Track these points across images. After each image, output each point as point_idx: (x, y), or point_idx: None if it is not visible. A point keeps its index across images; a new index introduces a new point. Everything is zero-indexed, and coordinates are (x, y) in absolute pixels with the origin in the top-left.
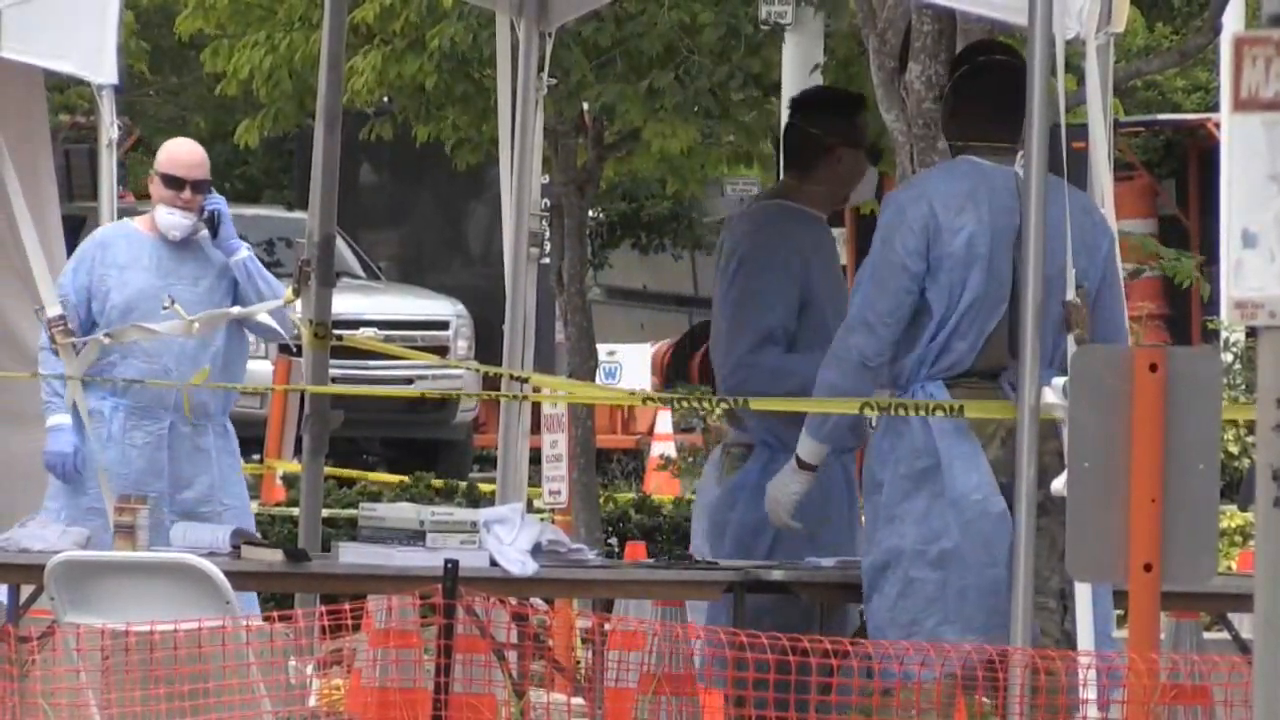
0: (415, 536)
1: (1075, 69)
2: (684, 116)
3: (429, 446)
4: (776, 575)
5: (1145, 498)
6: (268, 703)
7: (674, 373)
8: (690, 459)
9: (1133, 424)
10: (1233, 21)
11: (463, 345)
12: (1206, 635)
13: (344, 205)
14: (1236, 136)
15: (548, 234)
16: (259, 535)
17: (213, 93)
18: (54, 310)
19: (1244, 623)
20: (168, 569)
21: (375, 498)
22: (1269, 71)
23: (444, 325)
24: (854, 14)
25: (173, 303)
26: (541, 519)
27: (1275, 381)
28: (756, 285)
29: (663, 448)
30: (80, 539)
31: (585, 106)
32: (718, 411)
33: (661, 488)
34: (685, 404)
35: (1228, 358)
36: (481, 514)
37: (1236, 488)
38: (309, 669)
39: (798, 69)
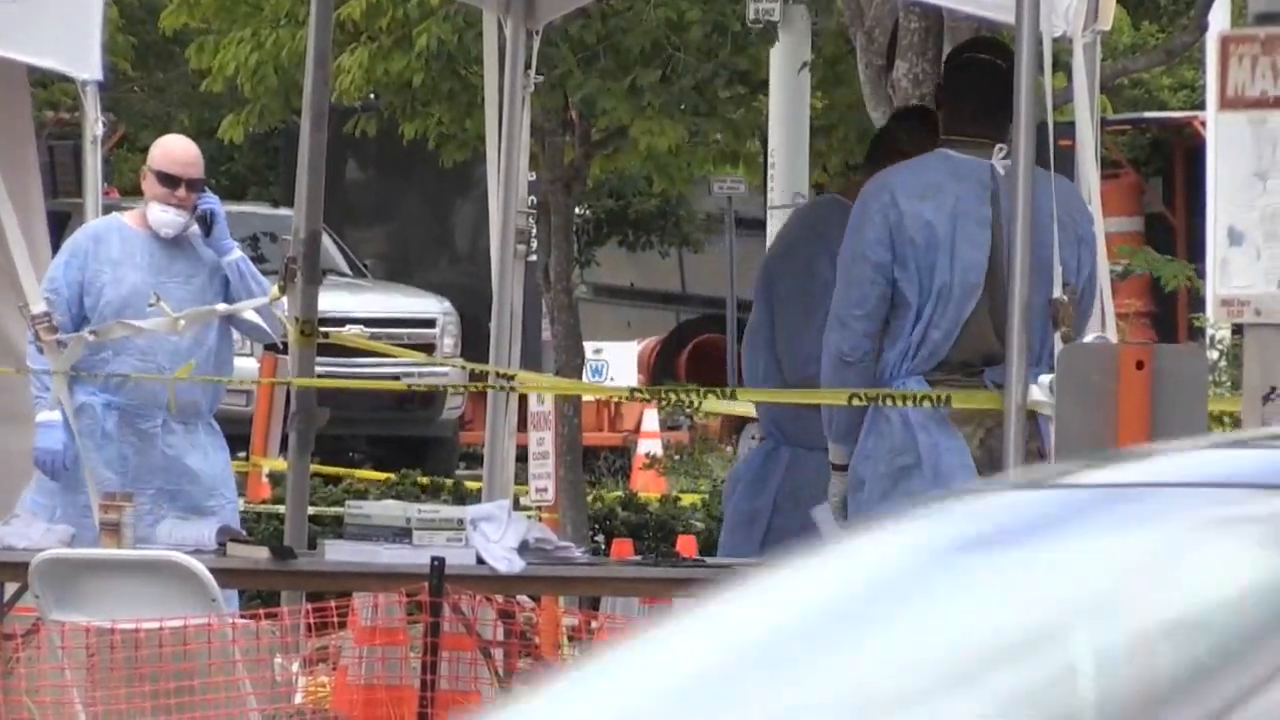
0: (402, 534)
1: (1062, 67)
2: (671, 114)
3: (415, 444)
4: None
5: None
6: (253, 700)
7: (661, 370)
8: (676, 457)
9: (1119, 421)
10: (1219, 20)
11: (449, 343)
12: None
13: (330, 202)
14: (1223, 134)
15: (535, 231)
16: (245, 533)
17: (197, 89)
18: (38, 307)
19: None
20: (153, 566)
21: (361, 495)
22: (1255, 70)
23: (430, 323)
24: (841, 12)
25: (158, 299)
26: (528, 517)
27: (1260, 379)
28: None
29: (649, 446)
30: (65, 537)
31: (568, 99)
32: (705, 407)
33: (648, 486)
34: (672, 399)
35: (1214, 355)
36: (468, 511)
37: None
38: (295, 666)
39: (785, 67)
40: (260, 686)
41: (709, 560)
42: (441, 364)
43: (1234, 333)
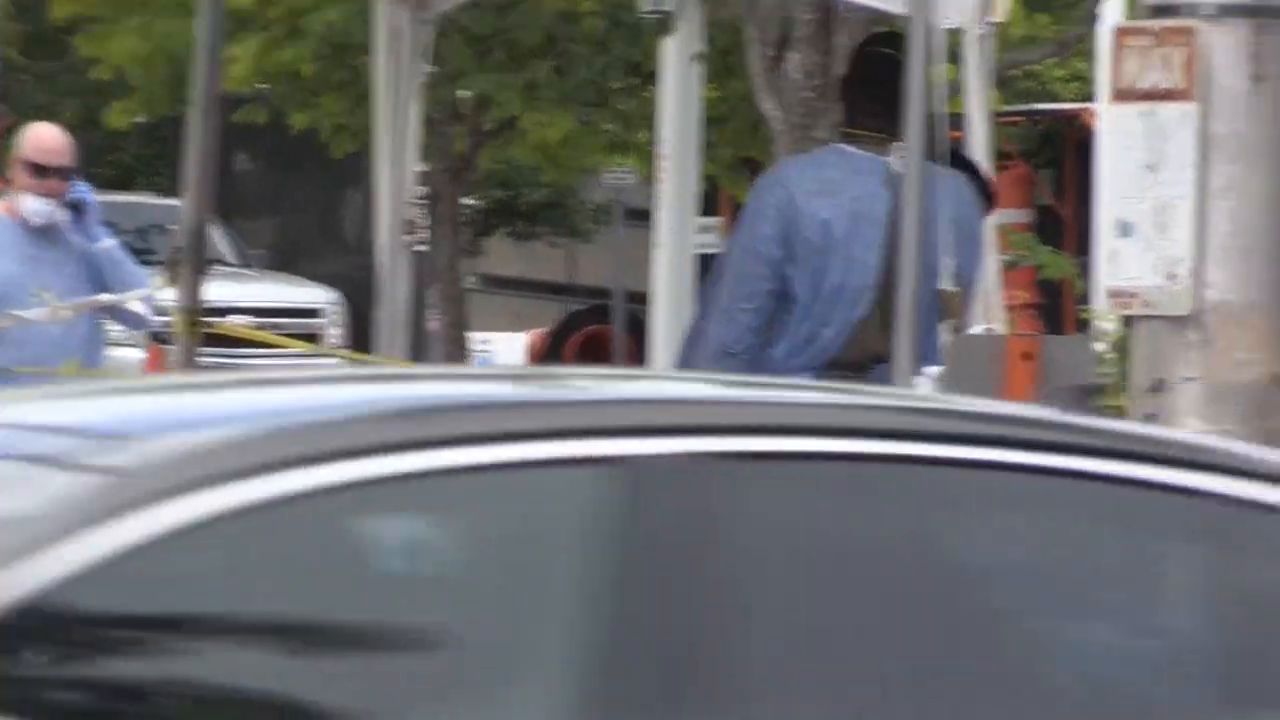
0: None
1: (955, 58)
2: (562, 105)
3: None
4: None
5: None
6: None
7: (549, 361)
8: None
9: None
10: (1112, 12)
11: (335, 333)
12: None
13: (218, 192)
14: (1113, 126)
15: (424, 222)
16: None
17: (86, 77)
18: None
19: None
20: None
21: None
22: (1147, 62)
23: (316, 313)
24: (734, 3)
25: (43, 291)
26: None
27: (1147, 371)
28: None
29: None
30: None
31: (460, 94)
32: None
33: None
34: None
35: (1101, 347)
36: None
37: None
38: None
39: (677, 58)
40: None
41: None
42: (327, 354)
43: (1123, 325)
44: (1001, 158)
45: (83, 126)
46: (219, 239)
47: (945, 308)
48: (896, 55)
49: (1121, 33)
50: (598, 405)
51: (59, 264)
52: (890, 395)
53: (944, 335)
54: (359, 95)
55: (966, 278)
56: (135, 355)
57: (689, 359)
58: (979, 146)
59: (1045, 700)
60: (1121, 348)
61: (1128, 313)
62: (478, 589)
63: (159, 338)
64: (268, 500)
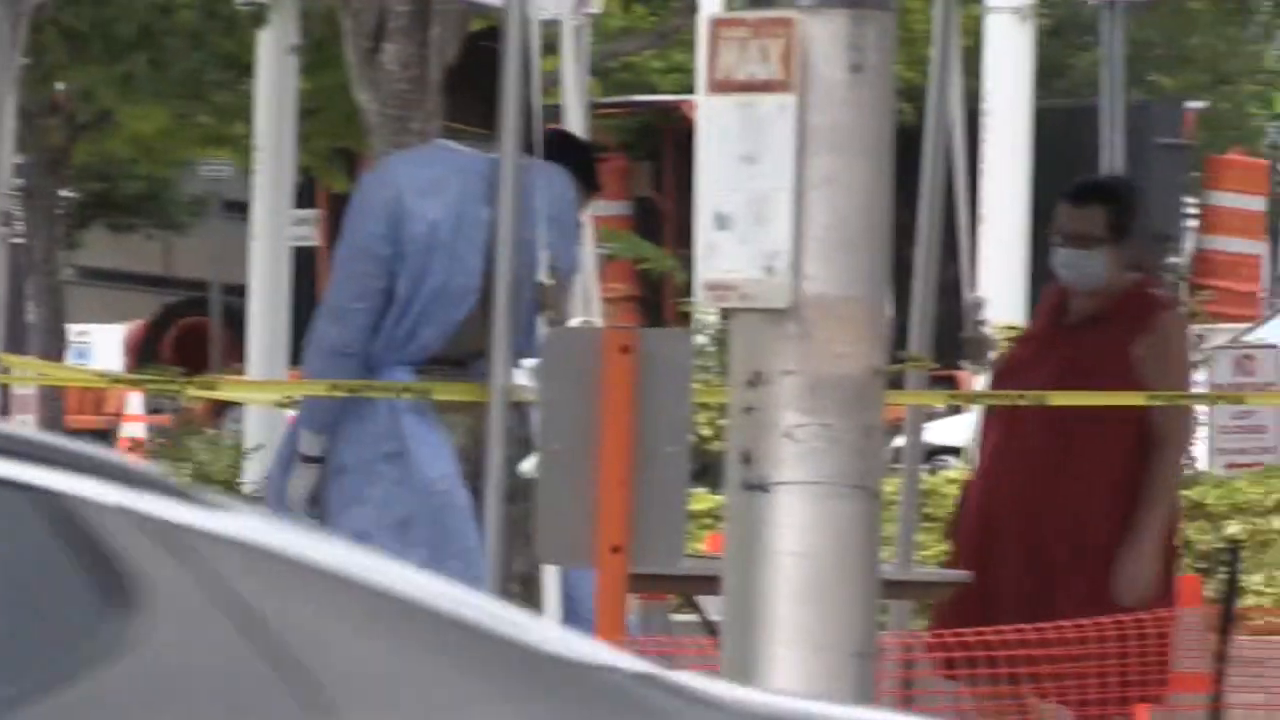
0: None
1: (552, 50)
2: (158, 98)
3: None
4: None
5: (614, 480)
6: None
7: (147, 353)
8: (160, 440)
9: (603, 406)
10: (710, 3)
11: None
12: (675, 617)
13: None
14: (710, 118)
15: (20, 214)
16: None
17: None
18: None
19: (712, 605)
20: None
21: None
22: (744, 53)
23: None
24: None
25: None
26: None
27: (746, 364)
28: None
29: (133, 429)
30: None
31: (60, 87)
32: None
33: None
34: (156, 387)
35: (701, 340)
36: None
37: (708, 470)
38: None
39: (273, 50)
40: None
41: None
42: None
43: (722, 317)
44: (599, 150)
45: None
46: None
47: (542, 301)
48: (496, 49)
49: (718, 24)
50: None
51: None
52: None
53: (543, 328)
54: None
55: (565, 270)
56: None
57: (311, 362)
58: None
59: None
60: (721, 340)
61: (726, 305)
62: None
63: None
64: None
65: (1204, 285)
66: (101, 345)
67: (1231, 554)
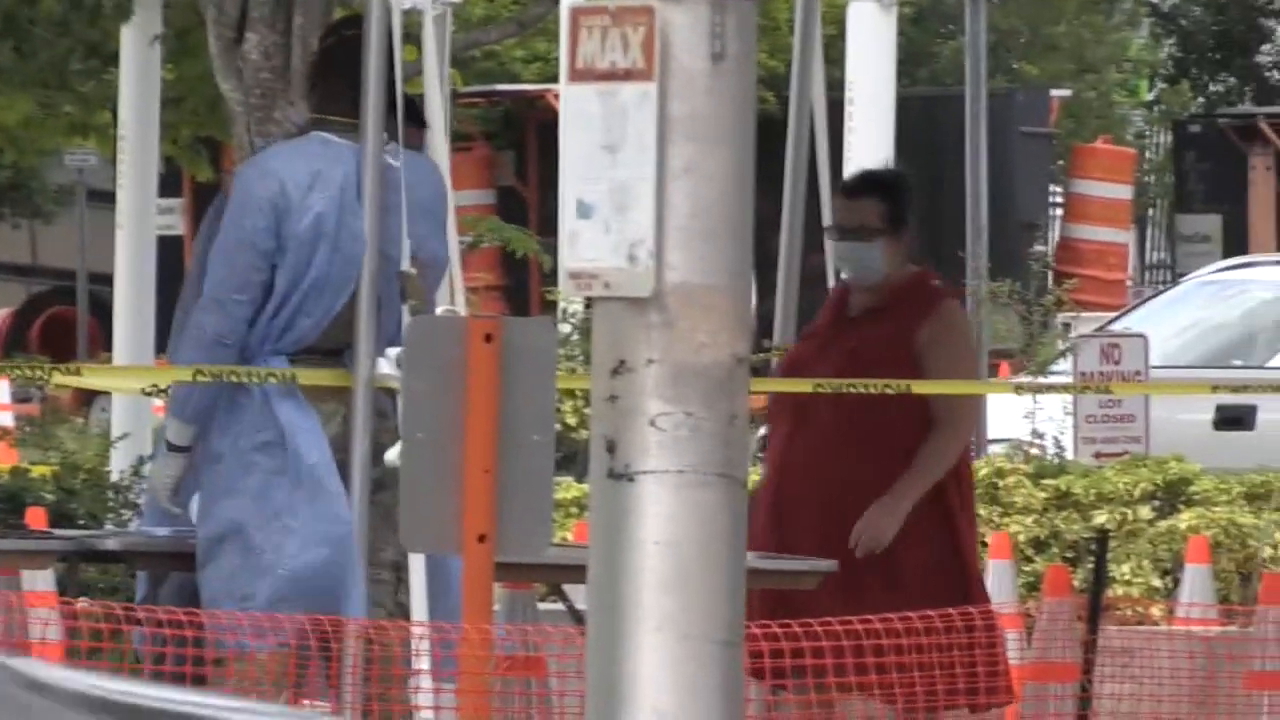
0: None
1: (414, 39)
2: (22, 88)
3: None
4: (110, 544)
5: (479, 468)
6: None
7: (13, 342)
8: (27, 428)
9: (467, 394)
10: None
11: None
12: (541, 606)
13: None
14: (572, 107)
15: None
16: None
17: None
18: None
19: (579, 593)
20: None
21: None
22: (605, 42)
23: None
24: None
25: None
26: None
27: (609, 353)
28: None
29: (0, 418)
30: None
31: None
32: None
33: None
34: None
35: (566, 328)
36: None
37: (574, 459)
38: None
39: (136, 39)
40: None
41: (57, 532)
42: None
43: (587, 306)
44: (462, 139)
45: None
46: None
47: (405, 290)
48: (360, 38)
49: (578, 12)
50: None
51: None
52: None
53: (407, 317)
54: None
55: (436, 261)
56: None
57: (188, 352)
58: (438, 128)
59: None
60: (586, 329)
61: (589, 294)
62: None
63: None
64: None
65: (1070, 274)
66: None
67: (1099, 544)
